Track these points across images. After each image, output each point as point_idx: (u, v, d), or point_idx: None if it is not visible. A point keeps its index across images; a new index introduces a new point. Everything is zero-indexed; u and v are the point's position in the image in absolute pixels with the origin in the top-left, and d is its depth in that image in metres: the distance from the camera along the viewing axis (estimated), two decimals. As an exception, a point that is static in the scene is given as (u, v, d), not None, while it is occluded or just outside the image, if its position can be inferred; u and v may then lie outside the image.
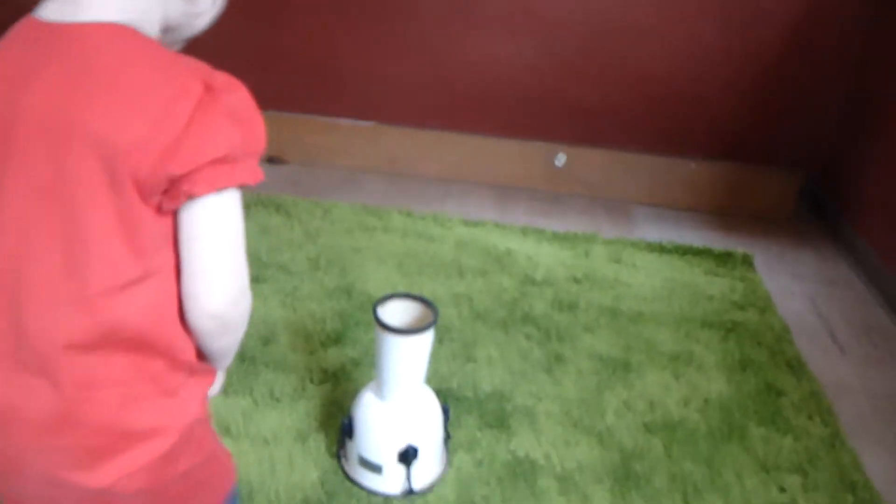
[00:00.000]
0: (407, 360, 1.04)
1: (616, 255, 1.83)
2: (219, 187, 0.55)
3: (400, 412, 1.08)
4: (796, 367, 1.47)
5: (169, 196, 0.54)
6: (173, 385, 0.59)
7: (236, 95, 0.57)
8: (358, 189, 2.18)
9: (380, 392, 1.09)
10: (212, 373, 0.66)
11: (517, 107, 2.22)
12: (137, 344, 0.56)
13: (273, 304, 1.56)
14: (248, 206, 1.97)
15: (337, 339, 1.45)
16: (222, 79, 0.57)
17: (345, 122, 2.34)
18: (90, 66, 0.53)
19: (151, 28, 0.57)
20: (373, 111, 2.32)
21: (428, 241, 1.86)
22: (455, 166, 2.29)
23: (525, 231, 1.93)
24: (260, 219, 1.93)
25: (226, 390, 1.29)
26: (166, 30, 0.61)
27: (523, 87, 2.18)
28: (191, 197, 0.54)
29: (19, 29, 0.56)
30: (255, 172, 0.61)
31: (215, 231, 0.57)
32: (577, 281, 1.71)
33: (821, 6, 1.99)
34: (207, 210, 0.56)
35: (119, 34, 0.54)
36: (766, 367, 1.46)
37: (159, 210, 0.55)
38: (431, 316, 1.04)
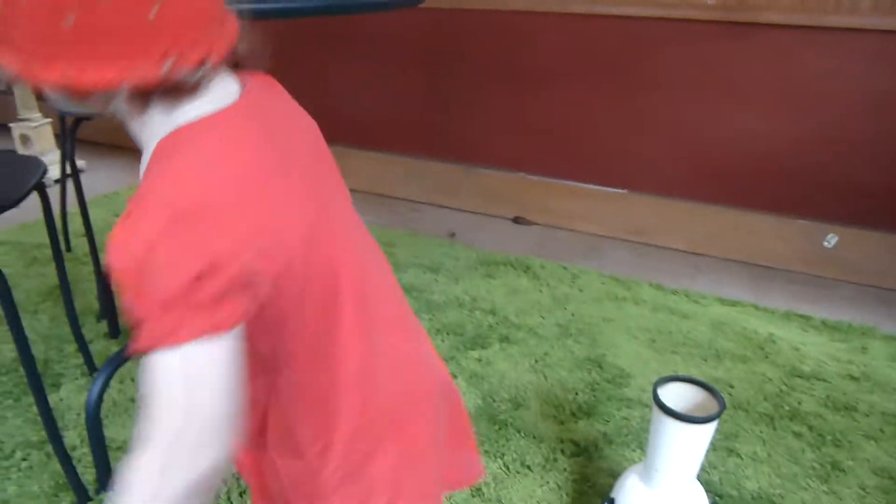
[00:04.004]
0: (686, 449, 0.98)
1: (900, 355, 1.63)
2: None
3: (669, 502, 1.02)
4: None
5: None
6: None
7: None
8: (603, 257, 2.15)
9: (647, 478, 1.04)
10: None
11: (778, 181, 2.08)
12: None
13: (523, 367, 1.56)
14: (497, 266, 2.01)
15: (588, 411, 1.42)
16: None
17: (593, 188, 2.33)
18: None
19: None
20: (622, 179, 2.29)
21: (681, 317, 1.77)
22: (706, 240, 2.19)
23: (788, 316, 1.78)
24: (508, 279, 1.97)
25: (478, 450, 1.30)
26: None
27: (785, 161, 2.05)
28: None
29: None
30: None
31: None
32: (853, 379, 1.54)
33: None
34: None
35: None
36: None
37: None
38: (715, 404, 0.98)
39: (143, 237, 0.46)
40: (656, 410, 0.98)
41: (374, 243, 0.68)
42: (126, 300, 0.47)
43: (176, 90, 0.49)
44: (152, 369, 0.48)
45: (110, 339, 1.65)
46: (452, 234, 2.30)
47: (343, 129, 2.74)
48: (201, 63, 0.48)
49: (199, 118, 0.50)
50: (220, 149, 0.50)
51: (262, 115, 0.56)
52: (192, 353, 0.48)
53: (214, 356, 0.49)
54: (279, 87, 0.63)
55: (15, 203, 1.13)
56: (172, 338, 0.47)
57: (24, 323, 1.21)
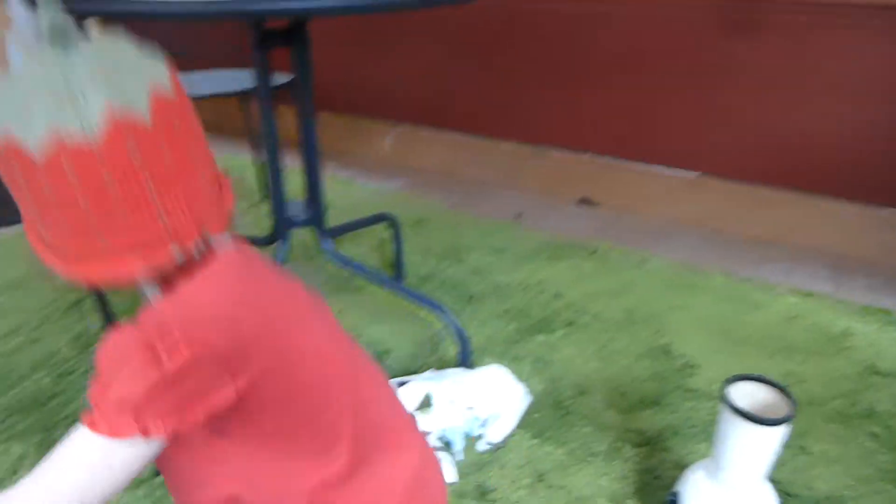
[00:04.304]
0: (756, 450, 0.96)
1: None
2: None
3: (736, 502, 1.01)
4: None
5: None
6: None
7: None
8: (673, 241, 2.12)
9: (715, 475, 1.03)
10: None
11: (859, 168, 2.00)
12: None
13: (588, 353, 1.56)
14: (562, 248, 2.01)
15: (654, 401, 1.41)
16: None
17: (663, 171, 2.29)
18: None
19: None
20: (694, 162, 2.24)
21: (752, 307, 1.74)
22: (781, 228, 2.13)
23: (867, 310, 1.72)
24: (573, 263, 1.96)
25: (543, 436, 1.31)
26: None
27: (866, 147, 1.96)
28: None
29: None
30: None
31: None
32: (935, 379, 1.48)
33: None
34: None
35: None
36: None
37: None
38: (786, 404, 0.96)
39: (126, 342, 0.55)
40: (726, 410, 0.97)
41: (375, 369, 0.75)
42: (93, 384, 0.56)
43: (186, 263, 0.59)
44: (71, 434, 0.56)
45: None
46: (519, 216, 2.29)
47: (409, 108, 2.75)
48: (204, 239, 0.59)
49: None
50: (207, 282, 0.59)
51: (250, 258, 0.66)
52: (110, 446, 0.55)
53: (125, 456, 0.56)
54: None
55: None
56: (108, 430, 0.55)
57: (113, 307, 1.27)
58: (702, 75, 2.13)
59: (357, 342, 0.76)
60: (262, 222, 2.27)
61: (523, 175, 2.53)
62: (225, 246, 0.62)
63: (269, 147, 1.44)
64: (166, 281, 0.59)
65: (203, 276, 0.59)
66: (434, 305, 1.49)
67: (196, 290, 0.58)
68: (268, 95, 1.38)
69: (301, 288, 0.68)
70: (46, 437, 1.33)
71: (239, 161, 2.78)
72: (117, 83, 0.51)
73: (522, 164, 2.54)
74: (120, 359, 0.54)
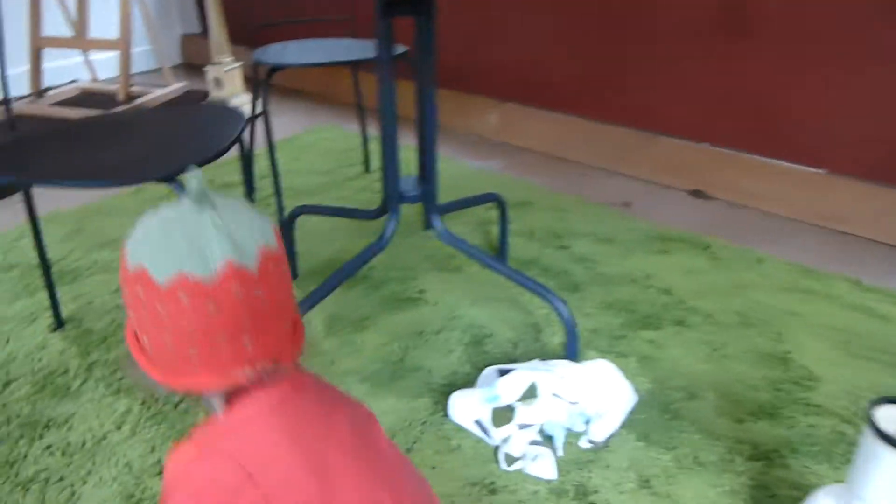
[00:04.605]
0: (902, 483, 0.88)
1: None
2: None
3: (871, 536, 0.92)
4: None
5: None
6: None
7: None
8: (792, 243, 1.98)
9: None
10: None
11: None
12: None
13: (698, 355, 1.48)
14: (673, 241, 1.91)
15: (771, 413, 1.32)
16: None
17: (785, 166, 2.15)
18: None
19: None
20: (819, 157, 2.09)
21: (880, 320, 1.61)
22: (915, 234, 1.96)
23: None
24: (684, 258, 1.86)
25: (648, 439, 1.25)
26: None
27: None
28: None
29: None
30: None
31: None
32: None
33: None
34: None
35: None
36: None
37: None
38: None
39: (183, 459, 0.66)
40: (871, 435, 0.88)
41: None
42: (162, 494, 0.67)
43: (251, 384, 0.67)
44: None
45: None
46: (627, 203, 2.20)
47: (519, 86, 2.68)
48: (272, 367, 0.67)
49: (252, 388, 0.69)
50: (259, 405, 0.68)
51: (304, 387, 0.73)
52: None
53: None
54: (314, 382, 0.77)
55: (217, 156, 1.20)
56: None
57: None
58: (833, 63, 1.98)
59: (407, 459, 0.79)
60: (361, 195, 2.26)
61: (632, 161, 2.43)
62: (286, 375, 0.71)
63: (386, 119, 1.42)
64: (230, 395, 0.68)
65: (257, 399, 0.68)
66: (547, 293, 1.43)
67: (248, 412, 0.68)
68: (389, 65, 1.35)
69: (347, 417, 0.74)
70: (150, 394, 1.36)
71: (343, 132, 2.79)
72: (237, 240, 0.63)
73: (631, 149, 2.44)
74: (177, 476, 0.66)
